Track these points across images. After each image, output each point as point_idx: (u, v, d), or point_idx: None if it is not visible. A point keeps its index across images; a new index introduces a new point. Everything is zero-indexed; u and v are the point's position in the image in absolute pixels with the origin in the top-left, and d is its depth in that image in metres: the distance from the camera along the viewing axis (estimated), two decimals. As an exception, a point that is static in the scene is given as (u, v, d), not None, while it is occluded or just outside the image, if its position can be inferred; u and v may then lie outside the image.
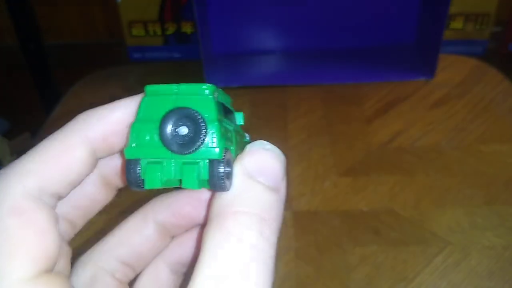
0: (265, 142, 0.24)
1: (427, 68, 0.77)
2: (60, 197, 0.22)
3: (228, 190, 0.22)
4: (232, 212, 0.22)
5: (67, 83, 0.84)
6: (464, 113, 0.70)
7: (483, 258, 0.51)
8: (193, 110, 0.21)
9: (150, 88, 0.23)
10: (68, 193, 0.23)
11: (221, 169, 0.21)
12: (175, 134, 0.21)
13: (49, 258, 0.20)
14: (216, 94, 0.23)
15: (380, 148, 0.65)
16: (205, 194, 0.27)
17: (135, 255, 0.28)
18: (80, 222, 0.26)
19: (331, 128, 0.69)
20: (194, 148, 0.21)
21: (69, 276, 0.23)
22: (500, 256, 0.51)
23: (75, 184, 0.23)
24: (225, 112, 0.24)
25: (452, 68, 0.79)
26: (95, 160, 0.24)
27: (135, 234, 0.28)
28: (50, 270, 0.20)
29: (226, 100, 0.25)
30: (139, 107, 0.22)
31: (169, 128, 0.21)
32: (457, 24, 1.43)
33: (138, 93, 0.24)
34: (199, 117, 0.21)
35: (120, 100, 0.24)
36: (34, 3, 1.34)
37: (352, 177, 0.61)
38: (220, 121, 0.22)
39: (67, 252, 0.23)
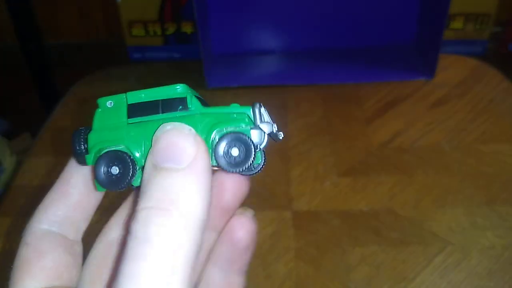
0: (167, 123, 0.23)
1: (427, 68, 0.77)
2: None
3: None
4: (135, 211, 0.21)
5: (67, 83, 0.84)
6: (464, 113, 0.70)
7: (483, 258, 0.51)
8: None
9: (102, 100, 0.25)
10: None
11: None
12: None
13: (48, 274, 0.25)
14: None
15: (380, 148, 0.65)
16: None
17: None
18: (81, 226, 0.27)
19: (331, 128, 0.69)
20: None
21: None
22: (500, 256, 0.51)
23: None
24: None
25: (452, 68, 0.79)
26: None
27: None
28: (52, 283, 0.24)
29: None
30: (94, 119, 0.25)
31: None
32: (457, 24, 1.43)
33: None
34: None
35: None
36: (34, 3, 1.34)
37: (352, 177, 0.61)
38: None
39: (74, 263, 0.26)
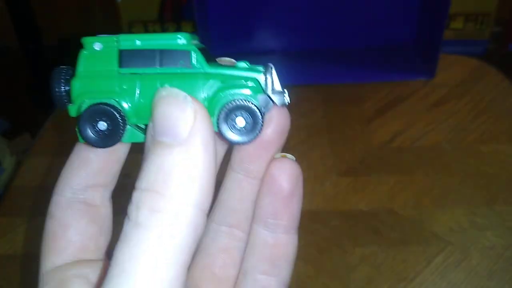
0: (163, 88, 0.19)
1: (427, 68, 0.77)
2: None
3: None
4: (133, 190, 0.19)
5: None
6: (464, 113, 0.70)
7: (483, 258, 0.51)
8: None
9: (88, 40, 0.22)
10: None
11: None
12: None
13: (74, 248, 0.24)
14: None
15: (380, 148, 0.65)
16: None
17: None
18: (107, 188, 0.26)
19: (331, 128, 0.69)
20: None
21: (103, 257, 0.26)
22: (500, 256, 0.51)
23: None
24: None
25: (452, 68, 0.79)
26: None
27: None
28: (79, 256, 0.24)
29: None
30: (78, 62, 0.22)
31: None
32: (457, 24, 1.43)
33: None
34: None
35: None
36: (34, 3, 1.34)
37: (352, 177, 0.61)
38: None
39: (100, 231, 0.26)
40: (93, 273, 0.24)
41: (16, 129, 1.45)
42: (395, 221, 0.55)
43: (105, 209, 0.26)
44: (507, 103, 0.72)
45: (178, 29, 1.51)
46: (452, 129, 0.67)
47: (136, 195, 0.19)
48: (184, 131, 0.18)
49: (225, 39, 0.85)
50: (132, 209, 0.19)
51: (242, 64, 0.23)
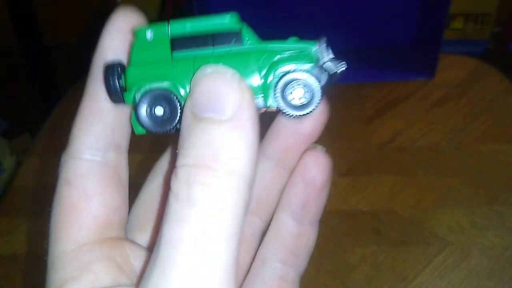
0: (208, 66, 0.20)
1: (427, 68, 0.77)
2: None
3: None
4: (175, 167, 0.19)
5: (67, 83, 0.84)
6: (464, 113, 0.70)
7: (483, 258, 0.51)
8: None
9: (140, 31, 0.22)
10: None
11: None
12: None
13: (98, 223, 0.22)
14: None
15: (380, 148, 0.65)
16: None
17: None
18: (123, 143, 0.24)
19: (331, 128, 0.69)
20: None
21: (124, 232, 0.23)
22: (500, 256, 0.51)
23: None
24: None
25: (452, 68, 0.79)
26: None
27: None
28: (101, 233, 0.21)
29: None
30: (131, 52, 0.22)
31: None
32: (457, 24, 1.43)
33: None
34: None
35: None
36: (34, 3, 1.34)
37: (352, 177, 0.61)
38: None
39: (123, 203, 0.23)
40: (121, 257, 0.22)
41: (16, 129, 1.45)
42: (395, 221, 0.55)
43: (126, 174, 0.24)
44: (507, 103, 0.72)
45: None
46: (452, 129, 0.67)
47: (184, 171, 0.18)
48: (232, 108, 0.18)
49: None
50: (181, 187, 0.18)
51: (293, 38, 0.23)
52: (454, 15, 1.41)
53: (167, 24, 0.21)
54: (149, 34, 0.21)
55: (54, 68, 1.43)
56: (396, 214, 0.56)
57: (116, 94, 0.21)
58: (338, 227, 0.55)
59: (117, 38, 0.22)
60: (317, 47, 0.22)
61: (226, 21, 0.22)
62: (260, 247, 0.27)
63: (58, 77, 1.42)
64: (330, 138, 0.67)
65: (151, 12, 1.49)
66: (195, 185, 0.18)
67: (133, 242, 0.24)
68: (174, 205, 0.18)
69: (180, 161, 0.18)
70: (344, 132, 0.68)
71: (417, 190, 0.59)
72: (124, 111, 0.23)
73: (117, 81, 0.21)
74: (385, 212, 0.56)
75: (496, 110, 0.70)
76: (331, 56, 0.22)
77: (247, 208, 0.19)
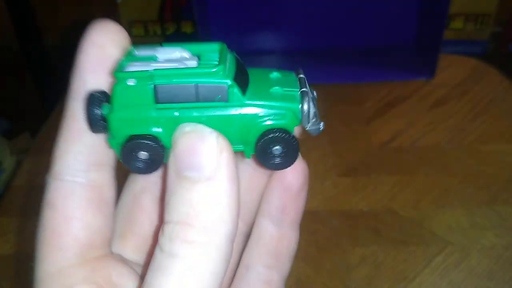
0: (186, 124, 0.20)
1: (427, 68, 0.77)
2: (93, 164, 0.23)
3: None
4: (163, 223, 0.20)
5: (67, 83, 0.84)
6: (464, 113, 0.70)
7: (483, 258, 0.51)
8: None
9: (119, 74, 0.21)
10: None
11: None
12: None
13: (80, 244, 0.22)
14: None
15: (380, 148, 0.65)
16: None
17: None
18: (107, 161, 0.24)
19: (331, 128, 0.69)
20: None
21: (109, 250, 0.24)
22: (500, 256, 0.51)
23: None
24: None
25: (452, 68, 0.79)
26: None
27: None
28: (85, 255, 0.22)
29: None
30: (113, 96, 0.22)
31: None
32: (457, 24, 1.43)
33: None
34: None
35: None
36: (34, 3, 1.34)
37: (352, 177, 0.61)
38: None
39: (107, 223, 0.24)
40: (102, 277, 0.22)
41: (16, 129, 1.45)
42: (395, 221, 0.55)
43: (111, 192, 0.24)
44: (507, 103, 0.72)
45: (178, 29, 1.51)
46: (452, 129, 0.67)
47: (168, 228, 0.19)
48: (210, 167, 0.19)
49: (225, 39, 0.84)
50: (165, 241, 0.19)
51: (275, 74, 0.24)
52: (454, 15, 1.41)
53: (149, 73, 0.21)
54: (131, 82, 0.21)
55: (54, 68, 1.43)
56: (396, 214, 0.56)
57: (96, 125, 0.22)
58: (338, 227, 0.55)
59: (94, 56, 0.22)
60: (301, 104, 0.23)
61: (210, 71, 0.21)
62: (244, 253, 0.27)
63: (58, 77, 1.42)
64: (330, 138, 0.67)
65: (151, 12, 1.49)
66: (177, 241, 0.19)
67: (116, 257, 0.24)
68: (159, 256, 0.19)
69: (166, 217, 0.20)
70: (344, 132, 0.68)
71: (417, 190, 0.59)
72: None
73: (97, 112, 0.21)
74: (385, 212, 0.56)
75: (496, 110, 0.70)
76: (313, 110, 0.23)
77: (229, 262, 0.20)
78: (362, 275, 0.50)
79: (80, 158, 0.22)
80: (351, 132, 0.68)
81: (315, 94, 0.24)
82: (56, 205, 0.22)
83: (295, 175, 0.25)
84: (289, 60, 0.85)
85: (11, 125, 1.53)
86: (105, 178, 0.23)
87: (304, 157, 0.66)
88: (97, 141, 0.22)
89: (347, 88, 0.77)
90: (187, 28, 1.51)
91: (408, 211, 0.56)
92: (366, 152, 0.65)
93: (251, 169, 0.26)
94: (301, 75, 0.24)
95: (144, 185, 0.26)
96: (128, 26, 1.49)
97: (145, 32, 1.51)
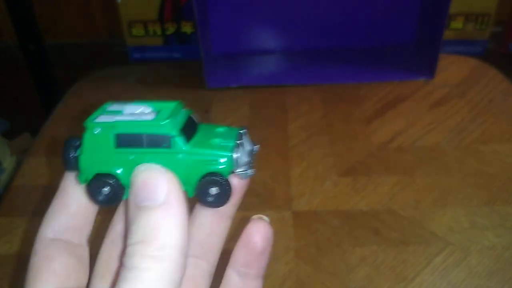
0: (141, 165, 0.26)
1: (427, 68, 0.77)
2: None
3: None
4: (126, 246, 0.24)
5: (67, 83, 0.84)
6: (464, 113, 0.70)
7: (483, 258, 0.51)
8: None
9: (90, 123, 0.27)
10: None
11: None
12: None
13: (58, 277, 0.27)
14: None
15: (380, 148, 0.65)
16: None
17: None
18: (85, 231, 0.30)
19: (331, 128, 0.69)
20: None
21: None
22: (500, 256, 0.51)
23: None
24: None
25: (452, 68, 0.79)
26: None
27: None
28: (62, 285, 0.27)
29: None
30: (83, 142, 0.27)
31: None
32: (457, 24, 1.43)
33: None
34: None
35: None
36: (34, 3, 1.34)
37: (352, 177, 0.61)
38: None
39: (80, 265, 0.29)
40: None
41: (16, 129, 1.45)
42: (395, 221, 0.55)
43: (83, 250, 0.29)
44: (507, 103, 0.72)
45: (178, 29, 1.51)
46: (452, 129, 0.67)
47: (129, 249, 0.23)
48: (163, 194, 0.24)
49: (225, 39, 0.85)
50: (126, 259, 0.23)
51: (220, 129, 0.29)
52: (454, 15, 1.42)
53: (113, 123, 0.26)
54: (97, 131, 0.27)
55: (54, 68, 1.43)
56: (396, 214, 0.56)
57: (69, 165, 0.27)
58: (338, 227, 0.55)
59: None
60: (235, 153, 0.27)
61: (160, 126, 0.26)
62: None
63: (58, 77, 1.42)
64: (330, 138, 0.67)
65: (151, 12, 1.49)
66: (137, 256, 0.23)
67: None
68: (121, 272, 0.23)
69: (127, 242, 0.24)
70: (344, 132, 0.68)
71: (417, 190, 0.59)
72: (87, 206, 0.29)
73: (71, 154, 0.27)
74: (385, 212, 0.56)
75: (496, 110, 0.70)
76: (245, 159, 0.27)
77: (183, 272, 0.24)
78: (362, 275, 0.50)
79: (60, 223, 0.28)
80: (351, 132, 0.68)
81: (254, 147, 0.29)
82: (40, 252, 0.28)
83: (259, 237, 0.29)
84: (289, 60, 0.85)
85: (11, 125, 1.53)
86: (78, 239, 0.29)
87: (304, 157, 0.66)
88: (76, 211, 0.29)
89: (347, 88, 0.77)
90: (187, 28, 1.51)
91: (408, 211, 0.56)
92: (366, 152, 0.65)
93: (211, 215, 0.31)
94: (242, 131, 0.29)
95: (122, 229, 0.30)
96: (128, 26, 1.49)
97: (145, 32, 1.51)
